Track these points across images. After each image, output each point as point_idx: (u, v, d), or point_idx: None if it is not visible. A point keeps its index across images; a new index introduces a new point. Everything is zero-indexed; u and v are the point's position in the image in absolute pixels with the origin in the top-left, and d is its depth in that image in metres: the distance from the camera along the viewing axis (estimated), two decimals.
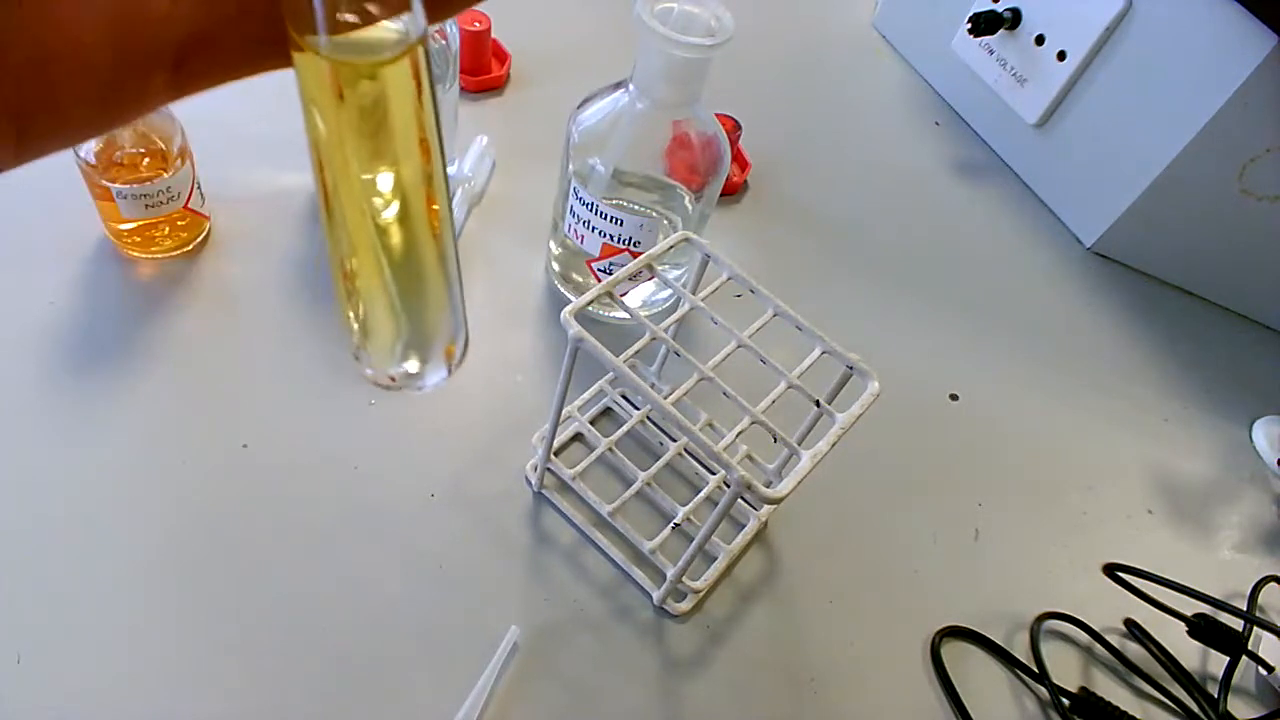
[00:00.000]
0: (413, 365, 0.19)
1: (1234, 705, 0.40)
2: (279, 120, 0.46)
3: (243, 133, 0.51)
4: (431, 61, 0.17)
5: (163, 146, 0.42)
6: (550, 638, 0.36)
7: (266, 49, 0.16)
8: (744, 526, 0.41)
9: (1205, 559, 0.46)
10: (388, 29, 0.16)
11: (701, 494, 0.40)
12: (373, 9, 0.15)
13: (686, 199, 0.43)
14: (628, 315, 0.34)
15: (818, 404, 0.34)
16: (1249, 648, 0.41)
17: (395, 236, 0.18)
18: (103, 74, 0.14)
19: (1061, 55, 0.58)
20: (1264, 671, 0.41)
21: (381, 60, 0.16)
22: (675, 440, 0.43)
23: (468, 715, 0.33)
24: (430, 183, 0.18)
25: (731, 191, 0.58)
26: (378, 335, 0.19)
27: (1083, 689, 0.39)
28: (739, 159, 0.59)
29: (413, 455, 0.41)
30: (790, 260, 0.55)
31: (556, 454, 0.42)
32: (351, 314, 0.18)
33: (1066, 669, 0.40)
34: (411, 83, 0.16)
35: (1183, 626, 0.41)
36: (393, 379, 0.19)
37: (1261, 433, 0.53)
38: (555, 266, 0.49)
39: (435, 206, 0.18)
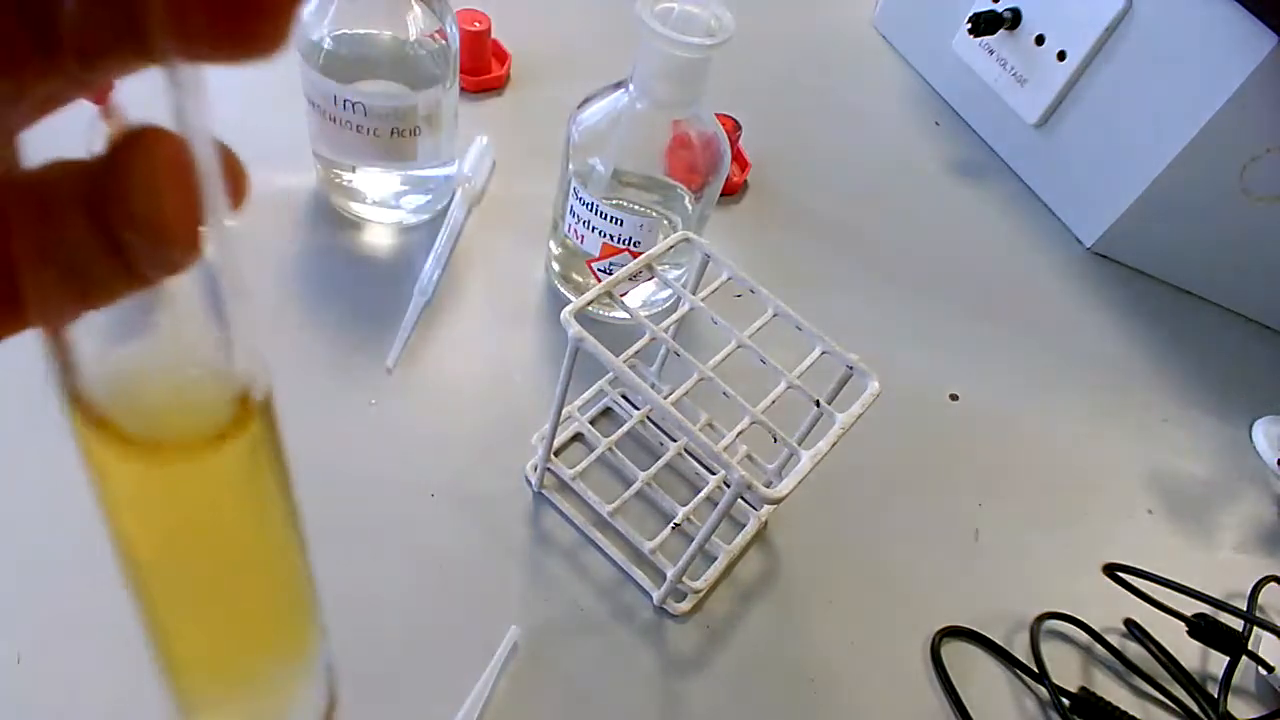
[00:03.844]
0: None
1: (1234, 705, 0.40)
2: (278, 120, 0.46)
3: (241, 133, 0.51)
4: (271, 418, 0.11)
5: None
6: (550, 638, 0.36)
7: None
8: (744, 526, 0.41)
9: (1205, 559, 0.46)
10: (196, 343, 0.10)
11: (701, 494, 0.40)
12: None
13: (686, 199, 0.43)
14: (628, 315, 0.34)
15: (818, 404, 0.34)
16: (1249, 648, 0.41)
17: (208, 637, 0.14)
18: None
19: (1061, 55, 0.58)
20: (1264, 671, 0.41)
21: (190, 439, 0.10)
22: (675, 440, 0.43)
23: (468, 715, 0.33)
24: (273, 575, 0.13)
25: (731, 191, 0.58)
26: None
27: (1083, 689, 0.39)
28: (739, 159, 0.59)
29: (413, 455, 0.41)
30: (790, 260, 0.55)
31: (556, 454, 0.42)
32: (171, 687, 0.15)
33: (1066, 669, 0.40)
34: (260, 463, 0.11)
35: (1183, 626, 0.41)
36: None
37: (1261, 433, 0.53)
38: (555, 266, 0.49)
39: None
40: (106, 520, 0.12)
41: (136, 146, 0.10)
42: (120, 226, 0.10)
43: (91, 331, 0.10)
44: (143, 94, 0.10)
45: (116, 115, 0.10)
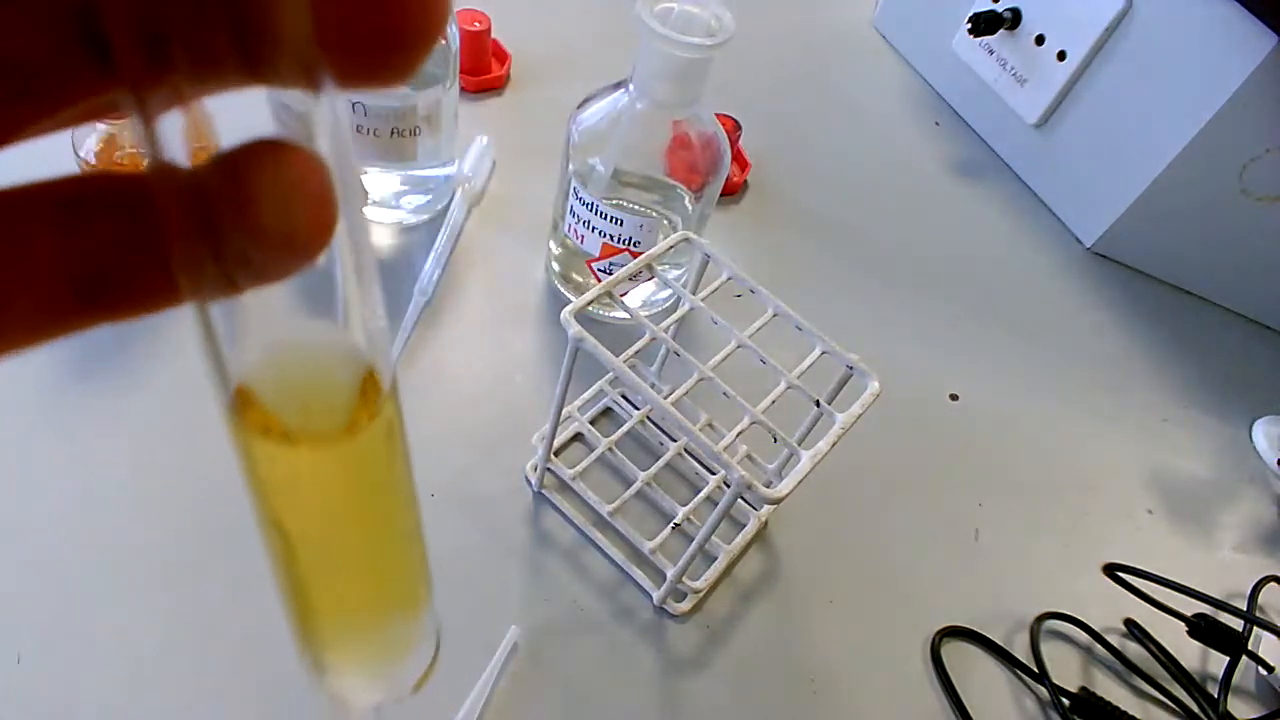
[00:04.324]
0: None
1: (1234, 705, 0.40)
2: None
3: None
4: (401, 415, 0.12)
5: None
6: (550, 638, 0.36)
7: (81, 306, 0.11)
8: (744, 526, 0.41)
9: (1205, 559, 0.46)
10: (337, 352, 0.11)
11: (701, 494, 0.40)
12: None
13: (686, 199, 0.43)
14: (628, 315, 0.34)
15: (818, 404, 0.34)
16: (1249, 648, 0.41)
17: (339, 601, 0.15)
18: None
19: (1061, 55, 0.58)
20: (1264, 671, 0.41)
21: (328, 430, 0.11)
22: (675, 440, 0.43)
23: (468, 715, 0.33)
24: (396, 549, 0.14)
25: (731, 191, 0.58)
26: (312, 662, 0.17)
27: (1083, 689, 0.39)
28: (739, 159, 0.59)
29: (413, 455, 0.41)
30: (790, 260, 0.55)
31: (556, 454, 0.42)
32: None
33: (1066, 669, 0.40)
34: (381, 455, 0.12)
35: (1183, 626, 0.41)
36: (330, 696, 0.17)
37: (1261, 433, 0.53)
38: (555, 266, 0.49)
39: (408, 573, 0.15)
40: (254, 498, 0.13)
41: (265, 160, 0.10)
42: (248, 239, 0.10)
43: (238, 324, 0.10)
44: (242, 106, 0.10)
45: (200, 122, 0.10)
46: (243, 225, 0.10)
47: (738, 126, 0.57)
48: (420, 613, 0.17)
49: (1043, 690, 0.39)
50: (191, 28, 0.08)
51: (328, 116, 0.10)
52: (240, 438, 0.12)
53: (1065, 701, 0.38)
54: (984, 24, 0.61)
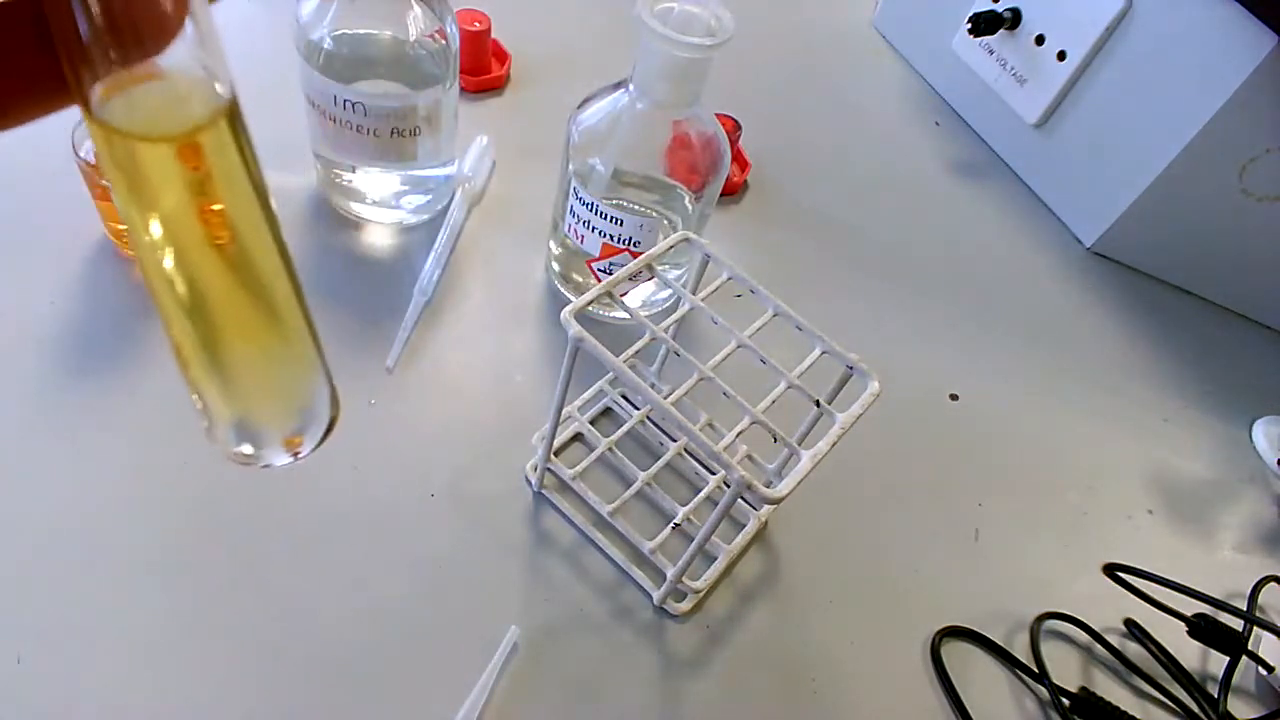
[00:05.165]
0: (246, 448, 0.19)
1: (1234, 705, 0.40)
2: (276, 119, 0.46)
3: None
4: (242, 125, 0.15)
5: None
6: (550, 638, 0.36)
7: (38, 89, 0.15)
8: (744, 526, 0.41)
9: (1205, 559, 0.46)
10: (185, 70, 0.14)
11: (701, 494, 0.40)
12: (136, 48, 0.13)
13: (686, 199, 0.43)
14: (628, 315, 0.34)
15: (818, 404, 0.34)
16: (1249, 648, 0.41)
17: (208, 318, 0.17)
18: None
19: (1061, 55, 0.58)
20: (1264, 671, 0.41)
21: (183, 132, 0.15)
22: (675, 440, 0.43)
23: (468, 715, 0.33)
24: (256, 256, 0.17)
25: (731, 191, 0.58)
26: (211, 413, 0.18)
27: (1083, 689, 0.39)
28: (739, 159, 0.59)
29: (413, 455, 0.41)
30: (790, 260, 0.55)
31: (556, 454, 0.42)
32: (191, 391, 0.18)
33: (1066, 669, 0.40)
34: (230, 151, 0.15)
35: (1183, 626, 0.41)
36: (234, 456, 0.19)
37: (1261, 433, 0.53)
38: (555, 266, 0.49)
39: (271, 281, 0.17)
40: (130, 221, 0.16)
41: None
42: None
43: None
44: None
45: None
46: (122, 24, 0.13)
47: (738, 126, 0.57)
48: (298, 357, 0.18)
49: (1043, 690, 0.39)
50: None
51: None
52: (109, 157, 0.15)
53: (1065, 701, 0.38)
54: (984, 24, 0.61)
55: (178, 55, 0.14)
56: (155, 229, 0.15)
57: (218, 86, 0.15)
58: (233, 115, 0.15)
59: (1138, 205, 0.58)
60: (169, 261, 0.16)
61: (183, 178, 0.15)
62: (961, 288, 0.57)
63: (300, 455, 0.19)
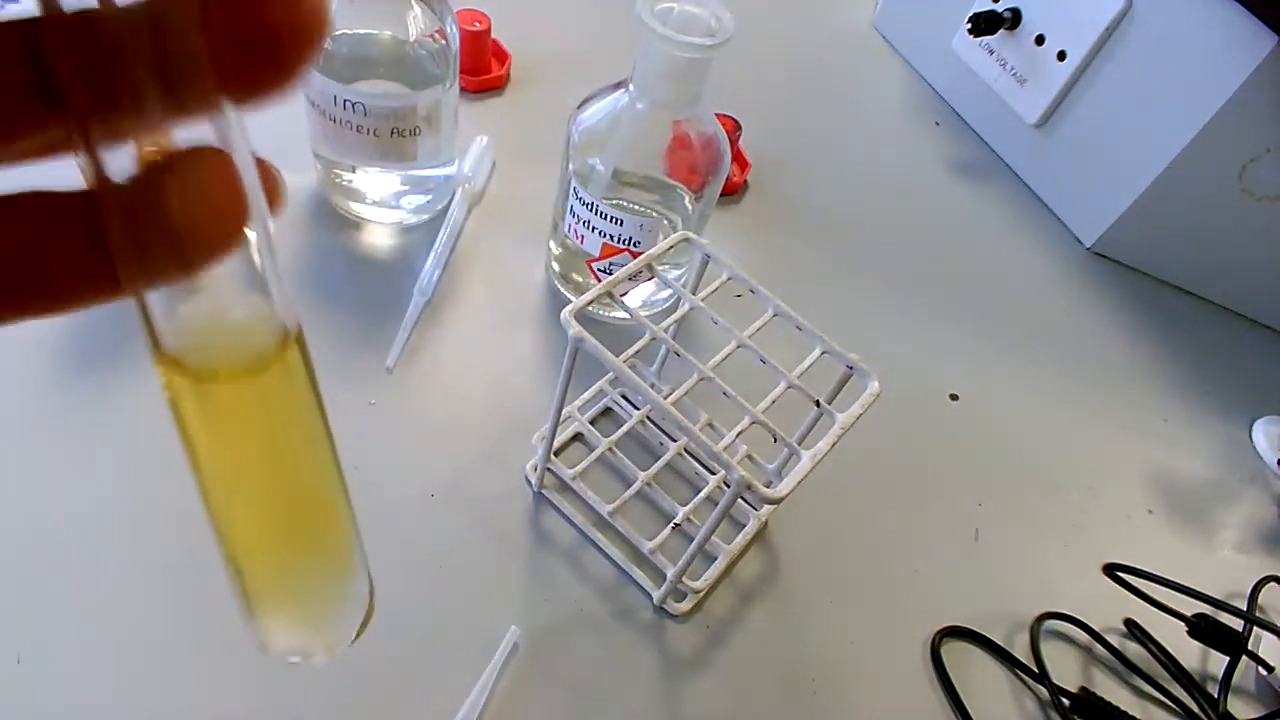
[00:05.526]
0: (293, 657, 0.19)
1: (1234, 705, 0.40)
2: (277, 120, 0.46)
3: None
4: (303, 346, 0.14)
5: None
6: (550, 638, 0.36)
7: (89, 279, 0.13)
8: (744, 526, 0.41)
9: (1205, 559, 0.46)
10: (240, 292, 0.13)
11: (701, 494, 0.40)
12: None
13: (686, 199, 0.43)
14: (628, 315, 0.34)
15: (818, 404, 0.34)
16: (1249, 648, 0.41)
17: (266, 551, 0.17)
18: None
19: (1061, 55, 0.58)
20: (1264, 671, 0.41)
21: (242, 367, 0.13)
22: (675, 440, 0.43)
23: (468, 715, 0.33)
24: (320, 493, 0.16)
25: (731, 191, 0.58)
26: (263, 632, 0.18)
27: (1083, 689, 0.39)
28: (739, 159, 0.59)
29: (413, 455, 0.41)
30: (790, 260, 0.55)
31: (556, 454, 0.42)
32: (242, 607, 0.18)
33: (1066, 669, 0.40)
34: (299, 380, 0.14)
35: (1183, 626, 0.41)
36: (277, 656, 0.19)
37: (1261, 433, 0.53)
38: (555, 266, 0.49)
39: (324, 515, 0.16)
40: (186, 450, 0.15)
41: (187, 164, 0.12)
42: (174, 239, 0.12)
43: (162, 296, 0.12)
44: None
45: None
46: (168, 229, 0.12)
47: (738, 126, 0.57)
48: (346, 569, 0.18)
49: (1043, 690, 0.39)
50: (123, 63, 0.10)
51: (233, 132, 0.12)
52: (167, 385, 0.14)
53: (1065, 701, 0.38)
54: (984, 24, 0.61)
55: (230, 272, 0.12)
56: (213, 466, 0.15)
57: (277, 306, 0.13)
58: (301, 342, 0.14)
59: (1138, 205, 0.58)
60: (230, 502, 0.15)
61: (253, 415, 0.14)
62: (961, 288, 0.57)
63: (336, 653, 0.19)
